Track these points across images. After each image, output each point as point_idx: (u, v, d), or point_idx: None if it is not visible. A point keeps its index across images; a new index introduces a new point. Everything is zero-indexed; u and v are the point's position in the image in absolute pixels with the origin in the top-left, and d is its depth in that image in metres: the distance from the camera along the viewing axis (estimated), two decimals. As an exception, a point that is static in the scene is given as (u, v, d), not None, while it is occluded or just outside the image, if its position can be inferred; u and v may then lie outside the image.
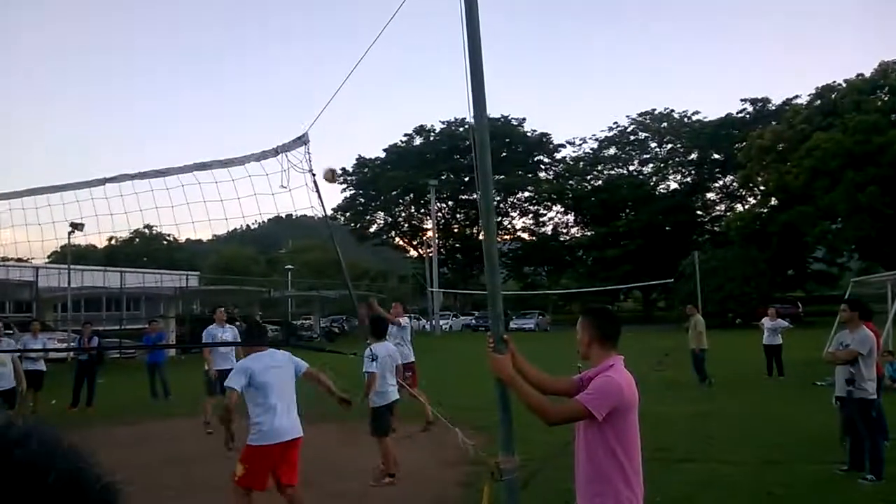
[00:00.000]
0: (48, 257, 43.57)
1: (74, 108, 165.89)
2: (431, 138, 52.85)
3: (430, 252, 44.24)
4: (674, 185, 50.63)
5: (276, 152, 4.23)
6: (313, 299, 40.61)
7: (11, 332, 25.26)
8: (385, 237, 56.99)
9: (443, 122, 52.42)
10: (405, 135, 53.32)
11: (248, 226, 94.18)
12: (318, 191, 4.33)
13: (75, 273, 29.08)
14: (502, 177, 47.90)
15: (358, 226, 54.71)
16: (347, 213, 54.00)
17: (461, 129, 51.42)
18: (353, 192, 53.64)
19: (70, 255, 27.88)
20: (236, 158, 4.20)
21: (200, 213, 4.60)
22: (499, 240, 50.54)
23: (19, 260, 34.91)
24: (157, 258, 59.96)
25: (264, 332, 5.31)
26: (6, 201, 5.58)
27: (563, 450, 5.25)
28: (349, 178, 52.63)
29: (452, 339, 34.67)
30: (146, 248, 65.04)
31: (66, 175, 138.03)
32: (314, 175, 4.29)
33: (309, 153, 4.16)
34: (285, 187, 4.44)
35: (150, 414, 11.62)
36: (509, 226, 54.43)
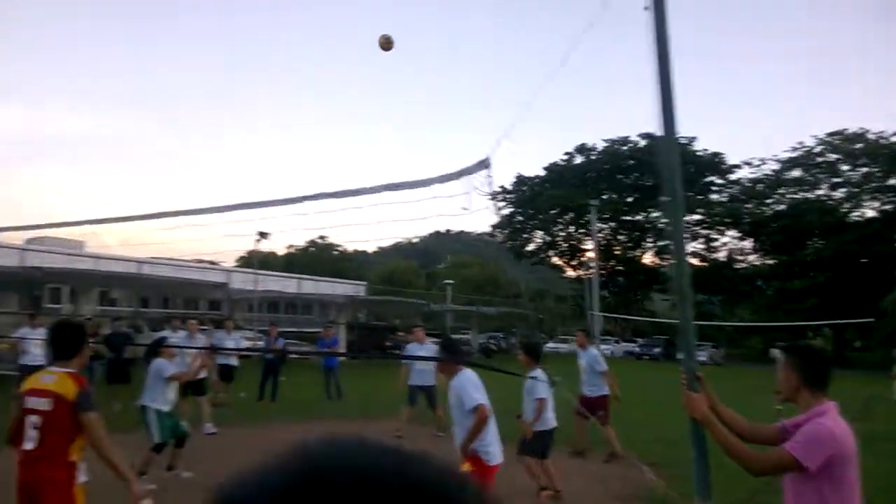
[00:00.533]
0: (236, 262, 48.79)
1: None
2: (593, 157, 51.93)
3: (590, 273, 43.21)
4: (870, 213, 45.04)
5: (458, 175, 4.36)
6: (472, 315, 41.34)
7: (206, 328, 28.31)
8: (542, 256, 56.72)
9: (605, 141, 51.27)
10: (566, 153, 52.89)
11: (409, 239, 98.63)
12: (499, 214, 4.43)
13: (259, 277, 32.13)
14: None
15: (515, 243, 55.05)
16: (505, 231, 54.55)
17: (624, 148, 49.97)
18: (511, 209, 54.08)
19: (257, 261, 30.90)
20: (423, 180, 4.39)
21: (382, 230, 4.90)
22: (664, 264, 48.07)
23: (211, 263, 39.49)
24: (327, 267, 64.53)
25: (462, 350, 5.39)
26: (218, 214, 6.31)
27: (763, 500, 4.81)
28: (507, 196, 53.15)
29: (615, 366, 33.29)
30: (319, 257, 70.13)
31: (252, 191, 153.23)
32: (495, 199, 4.40)
33: (490, 176, 4.26)
34: (467, 209, 4.58)
35: (326, 413, 12.43)
36: (677, 250, 51.62)
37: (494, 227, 53.03)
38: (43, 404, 3.05)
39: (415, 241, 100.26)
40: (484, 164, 4.33)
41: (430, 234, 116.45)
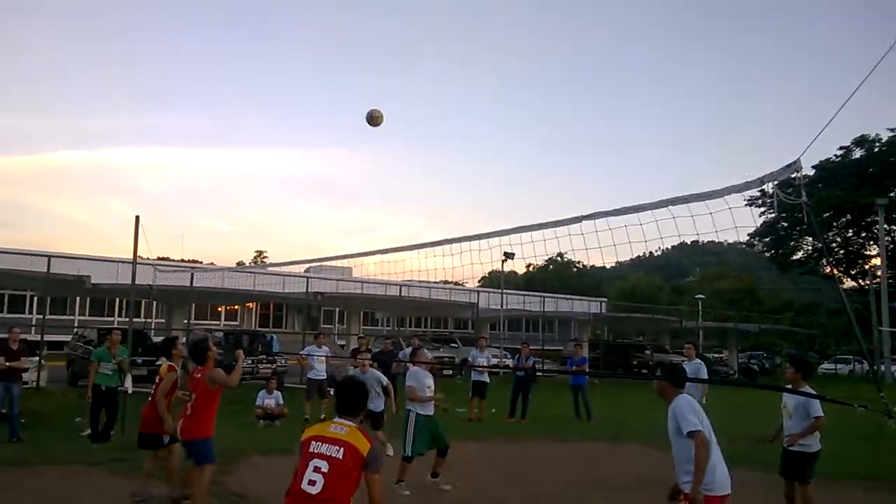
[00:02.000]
0: (478, 282, 50.75)
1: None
2: (875, 149, 44.53)
3: (876, 283, 36.93)
4: None
5: (761, 182, 3.81)
6: (728, 332, 37.84)
7: (457, 346, 29.40)
8: (813, 265, 49.95)
9: (891, 130, 43.65)
10: (841, 148, 46.05)
11: (651, 252, 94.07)
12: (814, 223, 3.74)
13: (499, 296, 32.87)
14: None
15: (778, 252, 49.24)
16: (766, 239, 49.10)
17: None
18: (773, 215, 48.54)
19: (502, 281, 31.74)
20: (716, 191, 3.89)
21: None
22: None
23: (456, 283, 41.52)
24: (567, 284, 64.24)
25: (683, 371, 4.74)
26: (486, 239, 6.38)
27: None
28: (768, 201, 47.86)
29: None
30: (558, 275, 70.20)
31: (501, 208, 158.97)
32: (808, 205, 3.76)
33: (802, 180, 3.61)
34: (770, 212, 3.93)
35: (573, 434, 12.11)
36: None
37: (752, 235, 48.07)
38: (334, 451, 3.10)
39: (657, 253, 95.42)
40: (794, 168, 3.72)
41: (674, 247, 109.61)
